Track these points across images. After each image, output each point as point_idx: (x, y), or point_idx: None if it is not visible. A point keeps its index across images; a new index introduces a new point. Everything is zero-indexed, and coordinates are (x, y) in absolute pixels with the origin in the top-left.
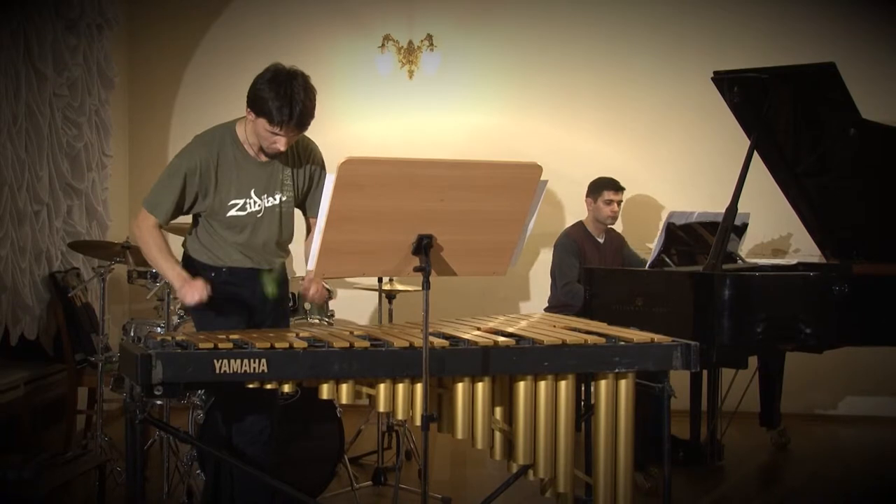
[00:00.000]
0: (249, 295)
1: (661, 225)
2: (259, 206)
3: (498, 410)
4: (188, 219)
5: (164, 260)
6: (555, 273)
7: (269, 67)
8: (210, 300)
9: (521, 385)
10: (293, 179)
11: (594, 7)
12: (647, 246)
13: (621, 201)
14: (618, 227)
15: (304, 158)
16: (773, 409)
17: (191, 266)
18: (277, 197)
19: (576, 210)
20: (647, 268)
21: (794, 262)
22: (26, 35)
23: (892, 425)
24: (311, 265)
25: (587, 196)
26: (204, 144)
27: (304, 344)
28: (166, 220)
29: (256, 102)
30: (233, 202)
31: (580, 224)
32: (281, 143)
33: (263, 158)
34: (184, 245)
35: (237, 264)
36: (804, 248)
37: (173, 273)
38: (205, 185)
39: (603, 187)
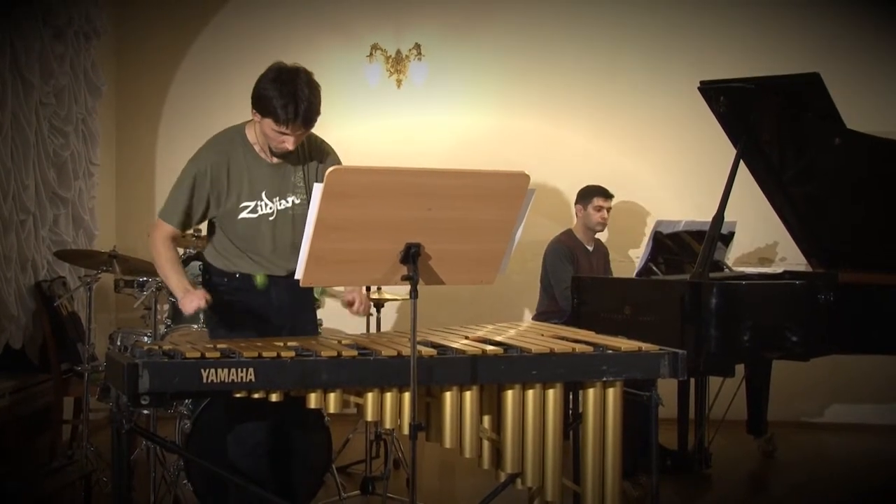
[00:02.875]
0: (263, 302)
1: (649, 234)
2: (271, 208)
3: (486, 419)
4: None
5: (170, 271)
6: (546, 280)
7: (272, 66)
8: (223, 308)
9: (510, 394)
10: (305, 181)
11: (581, 18)
12: (630, 254)
13: (610, 208)
14: (605, 233)
15: (317, 159)
16: (760, 417)
17: (208, 273)
18: (290, 199)
19: (563, 219)
20: (634, 276)
21: (780, 270)
22: (12, 43)
23: (878, 433)
24: (299, 275)
25: (577, 203)
26: (213, 148)
27: (292, 353)
28: (182, 227)
29: (261, 102)
30: (244, 205)
31: (570, 231)
32: (289, 143)
33: (274, 160)
34: (203, 252)
35: (247, 269)
36: (790, 257)
37: (176, 283)
38: (216, 188)
39: (593, 194)
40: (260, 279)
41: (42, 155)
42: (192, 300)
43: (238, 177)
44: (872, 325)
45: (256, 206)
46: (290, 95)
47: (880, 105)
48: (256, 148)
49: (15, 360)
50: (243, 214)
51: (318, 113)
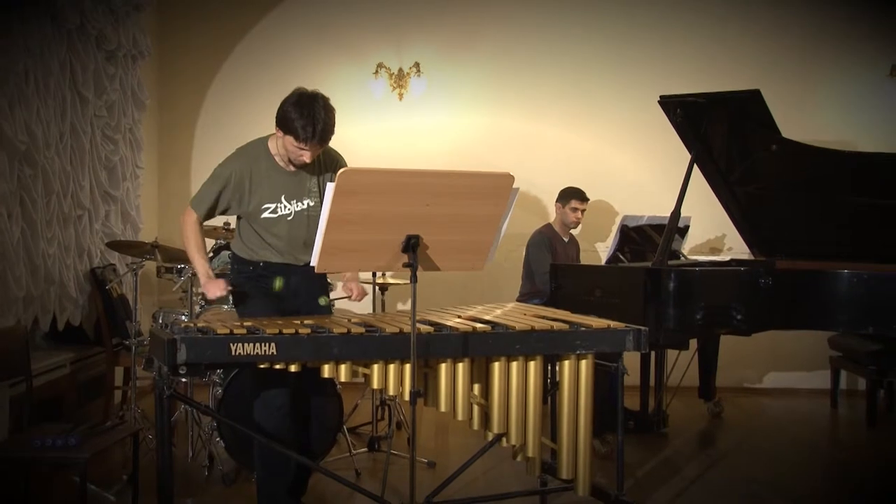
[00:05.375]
0: (282, 286)
1: (616, 227)
2: (289, 209)
3: (476, 387)
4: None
5: (197, 255)
6: (528, 266)
7: (294, 91)
8: (248, 291)
9: (496, 365)
10: (319, 186)
11: (561, 40)
12: (596, 246)
13: (585, 210)
14: (578, 227)
15: (330, 168)
16: (710, 384)
17: (234, 260)
18: (305, 202)
19: (544, 214)
20: (604, 264)
21: (728, 258)
22: (72, 65)
23: (807, 396)
24: (314, 262)
25: (557, 201)
26: (241, 157)
27: (308, 330)
28: (207, 217)
29: (284, 122)
30: (265, 206)
31: (549, 225)
32: (306, 157)
33: (292, 168)
34: (231, 244)
35: (270, 259)
36: (736, 247)
37: (201, 269)
38: (238, 191)
39: (572, 196)
40: (278, 284)
41: (96, 160)
42: (215, 289)
43: (259, 182)
44: (804, 305)
45: (276, 207)
46: (309, 118)
47: (813, 116)
48: (277, 158)
49: (74, 335)
50: (265, 214)
51: (332, 133)
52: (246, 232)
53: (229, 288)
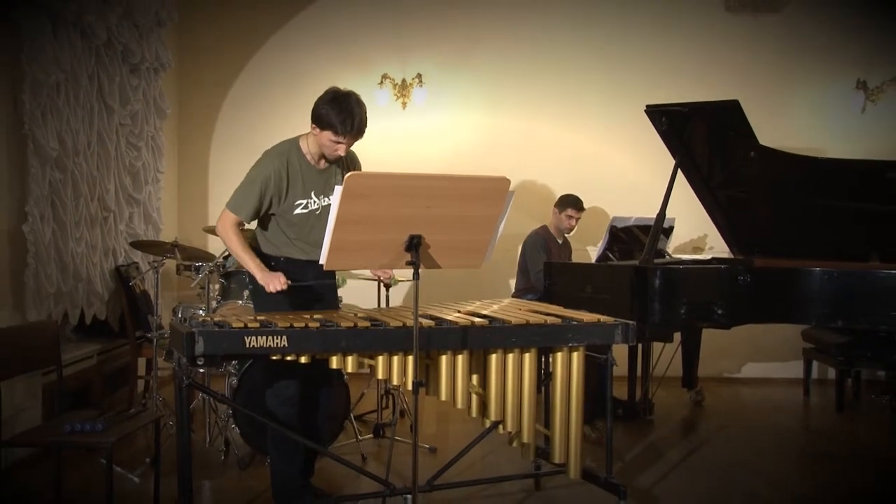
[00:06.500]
0: (300, 280)
1: (606, 228)
2: (317, 205)
3: (474, 377)
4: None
5: (245, 254)
6: (524, 264)
7: (328, 91)
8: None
9: (493, 357)
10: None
11: (554, 53)
12: (587, 249)
13: (580, 218)
14: (572, 232)
15: (351, 166)
16: (692, 374)
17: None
18: (331, 198)
19: (538, 215)
20: (594, 262)
21: (709, 257)
22: (99, 78)
23: (782, 385)
24: (323, 260)
25: (555, 206)
26: (276, 156)
27: (317, 324)
28: (249, 219)
29: (322, 119)
30: (298, 202)
31: (545, 227)
32: (342, 150)
33: (321, 166)
34: (251, 239)
35: (293, 255)
36: (717, 247)
37: (254, 265)
38: (278, 189)
39: (569, 205)
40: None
41: (120, 165)
42: (275, 283)
43: (294, 179)
44: (779, 300)
45: (307, 203)
46: (347, 112)
47: (787, 125)
48: (308, 157)
49: (100, 328)
50: (297, 210)
51: (366, 125)
52: (272, 228)
53: (288, 283)
